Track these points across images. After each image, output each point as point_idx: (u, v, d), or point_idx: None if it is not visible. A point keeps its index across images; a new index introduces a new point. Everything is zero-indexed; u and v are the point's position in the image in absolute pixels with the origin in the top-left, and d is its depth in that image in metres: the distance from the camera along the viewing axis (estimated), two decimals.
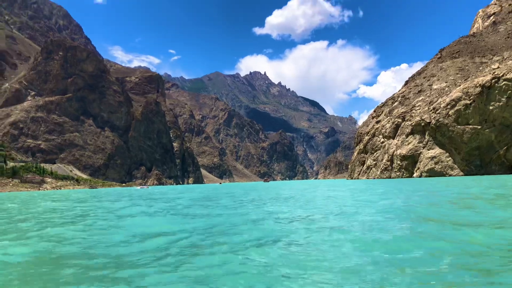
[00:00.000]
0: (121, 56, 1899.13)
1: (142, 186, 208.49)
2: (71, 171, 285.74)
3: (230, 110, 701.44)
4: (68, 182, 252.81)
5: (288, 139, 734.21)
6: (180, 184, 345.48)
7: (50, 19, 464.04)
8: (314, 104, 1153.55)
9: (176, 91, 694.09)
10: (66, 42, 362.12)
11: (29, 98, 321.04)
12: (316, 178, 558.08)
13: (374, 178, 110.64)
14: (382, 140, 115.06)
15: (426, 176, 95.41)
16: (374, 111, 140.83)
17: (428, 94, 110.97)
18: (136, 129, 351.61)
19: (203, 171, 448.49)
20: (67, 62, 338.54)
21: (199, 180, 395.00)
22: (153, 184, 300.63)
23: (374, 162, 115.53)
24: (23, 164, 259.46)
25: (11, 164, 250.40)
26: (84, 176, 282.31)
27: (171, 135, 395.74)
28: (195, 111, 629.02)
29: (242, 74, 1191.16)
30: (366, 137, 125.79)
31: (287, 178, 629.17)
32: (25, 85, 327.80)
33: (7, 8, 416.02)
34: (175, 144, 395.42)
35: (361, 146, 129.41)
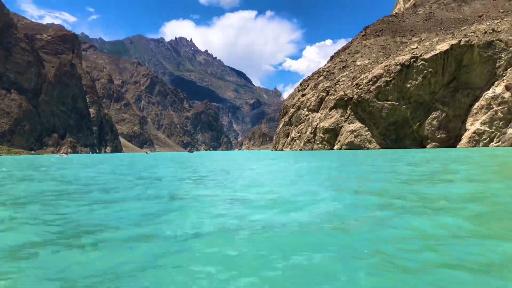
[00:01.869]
0: (31, 11, 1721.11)
1: (62, 154, 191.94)
2: None
3: (153, 77, 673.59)
4: None
5: (214, 109, 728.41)
6: (96, 153, 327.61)
7: None
8: (240, 74, 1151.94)
9: (94, 53, 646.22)
10: None
11: None
12: (240, 149, 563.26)
13: (297, 150, 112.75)
14: (307, 113, 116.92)
15: (345, 149, 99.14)
16: (300, 84, 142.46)
17: (352, 70, 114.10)
18: (48, 93, 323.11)
19: (122, 140, 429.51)
20: None
21: (117, 149, 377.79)
22: (67, 152, 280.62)
23: (298, 134, 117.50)
24: None
25: None
26: None
27: (87, 100, 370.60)
28: (114, 76, 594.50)
29: (167, 39, 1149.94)
30: (292, 110, 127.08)
31: (211, 149, 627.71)
32: None
33: None
34: (91, 110, 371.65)
35: (286, 118, 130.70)
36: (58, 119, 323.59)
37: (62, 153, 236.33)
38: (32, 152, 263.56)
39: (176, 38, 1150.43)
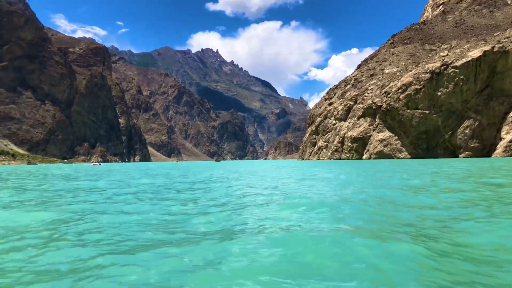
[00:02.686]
0: (64, 26, 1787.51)
1: (94, 163, 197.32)
2: (6, 145, 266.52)
3: (180, 87, 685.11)
4: (3, 157, 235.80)
5: (240, 119, 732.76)
6: (125, 161, 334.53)
7: None
8: (266, 84, 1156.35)
9: (123, 65, 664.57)
10: (2, 6, 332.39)
11: None
12: (265, 158, 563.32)
13: (325, 159, 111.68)
14: (334, 122, 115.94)
15: (375, 158, 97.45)
16: (327, 93, 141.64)
17: (380, 78, 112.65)
18: (80, 104, 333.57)
19: (151, 149, 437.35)
20: (2, 28, 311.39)
21: (146, 158, 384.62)
22: (98, 161, 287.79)
23: (325, 143, 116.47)
24: None
25: None
26: (21, 151, 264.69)
27: (117, 111, 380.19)
28: (143, 87, 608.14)
29: (194, 50, 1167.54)
30: (318, 119, 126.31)
31: (237, 158, 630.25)
32: None
33: None
34: (121, 120, 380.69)
35: (313, 127, 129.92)
36: (89, 129, 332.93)
37: (94, 162, 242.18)
38: (65, 160, 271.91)
39: (202, 49, 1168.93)
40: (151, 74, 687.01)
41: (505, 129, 79.88)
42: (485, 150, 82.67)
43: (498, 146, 79.57)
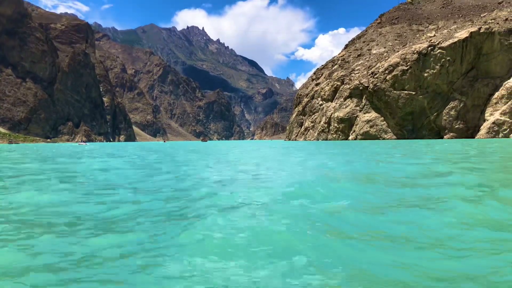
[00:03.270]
0: (44, 0, 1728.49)
1: (81, 143, 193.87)
2: None
3: (166, 66, 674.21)
4: None
5: (226, 99, 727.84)
6: (110, 141, 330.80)
7: None
8: (253, 64, 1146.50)
9: (107, 42, 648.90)
10: None
11: None
12: (252, 139, 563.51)
13: (311, 140, 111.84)
14: (321, 102, 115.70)
15: (361, 139, 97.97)
16: (314, 73, 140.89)
17: (367, 59, 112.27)
18: (63, 82, 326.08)
19: (136, 129, 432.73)
20: None
21: (131, 138, 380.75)
22: (84, 141, 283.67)
23: (312, 124, 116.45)
24: None
25: None
26: (2, 130, 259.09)
27: (101, 89, 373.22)
28: (127, 65, 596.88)
29: (179, 28, 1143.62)
30: (305, 99, 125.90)
31: (223, 138, 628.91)
32: None
33: None
34: (105, 99, 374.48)
35: (300, 108, 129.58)
36: (73, 108, 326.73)
37: (80, 142, 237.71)
38: (48, 140, 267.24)
39: (188, 27, 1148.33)
40: (135, 52, 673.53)
41: (488, 110, 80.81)
42: (469, 131, 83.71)
43: (482, 127, 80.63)
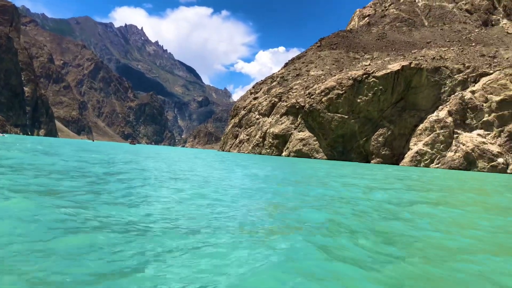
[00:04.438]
0: None
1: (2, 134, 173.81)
2: None
3: (98, 62, 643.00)
4: None
5: (159, 102, 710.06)
6: (28, 134, 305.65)
7: None
8: (191, 70, 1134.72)
9: (35, 28, 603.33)
10: None
11: None
12: (183, 146, 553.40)
13: (245, 153, 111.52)
14: (258, 116, 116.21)
15: (293, 156, 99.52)
16: (253, 87, 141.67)
17: (305, 79, 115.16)
18: None
19: (58, 124, 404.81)
20: None
21: (52, 133, 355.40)
22: (3, 132, 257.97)
23: (247, 137, 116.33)
24: None
25: None
26: None
27: (22, 78, 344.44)
28: (55, 56, 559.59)
29: (116, 24, 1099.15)
30: (243, 112, 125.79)
31: (153, 143, 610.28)
32: None
33: None
34: (26, 89, 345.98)
35: (236, 119, 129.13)
36: None
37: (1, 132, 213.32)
38: None
39: (126, 25, 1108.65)
40: (66, 43, 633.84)
41: (413, 140, 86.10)
42: (394, 158, 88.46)
43: (406, 155, 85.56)
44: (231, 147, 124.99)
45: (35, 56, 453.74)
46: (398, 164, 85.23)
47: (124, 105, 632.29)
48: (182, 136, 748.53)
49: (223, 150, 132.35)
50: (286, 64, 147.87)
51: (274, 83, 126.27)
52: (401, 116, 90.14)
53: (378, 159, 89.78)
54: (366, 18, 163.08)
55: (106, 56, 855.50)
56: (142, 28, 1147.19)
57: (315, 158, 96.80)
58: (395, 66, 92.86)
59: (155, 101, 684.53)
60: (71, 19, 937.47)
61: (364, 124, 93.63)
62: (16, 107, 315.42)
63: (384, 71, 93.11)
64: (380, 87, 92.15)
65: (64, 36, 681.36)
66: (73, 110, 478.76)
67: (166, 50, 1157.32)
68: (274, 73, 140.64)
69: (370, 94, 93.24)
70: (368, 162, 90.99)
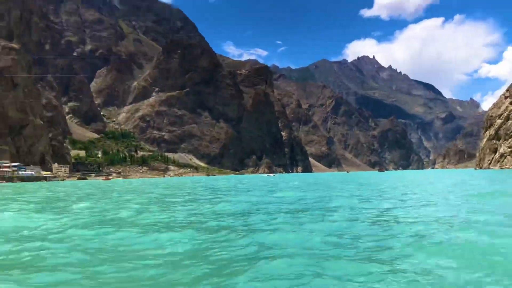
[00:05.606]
0: (232, 51, 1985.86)
1: (269, 174, 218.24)
2: (190, 159, 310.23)
3: (337, 98, 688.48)
4: (188, 169, 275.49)
5: (401, 126, 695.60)
6: (289, 172, 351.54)
7: (169, 21, 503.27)
8: (429, 87, 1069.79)
9: (284, 81, 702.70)
10: (183, 41, 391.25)
11: (153, 94, 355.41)
12: (432, 168, 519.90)
13: (510, 168, 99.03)
14: None
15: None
16: (507, 90, 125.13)
17: None
18: (247, 120, 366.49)
19: (312, 160, 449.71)
20: (184, 59, 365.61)
21: (307, 169, 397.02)
22: (263, 172, 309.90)
23: (510, 149, 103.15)
24: (150, 153, 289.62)
25: (140, 153, 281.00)
26: (202, 164, 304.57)
27: (279, 125, 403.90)
28: (302, 100, 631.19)
29: (349, 59, 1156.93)
30: (498, 121, 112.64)
31: (400, 168, 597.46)
32: (150, 83, 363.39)
33: (134, 15, 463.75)
34: (283, 134, 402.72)
35: (491, 131, 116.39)
36: (256, 142, 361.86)
37: (269, 173, 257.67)
38: (237, 172, 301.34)
39: (358, 57, 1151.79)
40: (309, 88, 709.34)
41: None
42: None
43: None
44: (490, 163, 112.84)
45: (286, 104, 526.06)
46: None
47: (367, 135, 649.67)
48: (430, 158, 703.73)
49: (480, 168, 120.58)
50: None
51: None
52: None
53: None
54: None
55: (344, 91, 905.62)
56: (373, 56, 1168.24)
57: None
58: None
59: (396, 125, 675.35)
60: (310, 66, 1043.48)
61: None
62: (277, 151, 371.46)
63: None
64: None
65: (306, 82, 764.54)
66: (322, 146, 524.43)
67: (400, 72, 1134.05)
68: None
69: None
70: None
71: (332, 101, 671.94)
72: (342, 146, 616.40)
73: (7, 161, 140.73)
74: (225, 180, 72.65)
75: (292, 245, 8.49)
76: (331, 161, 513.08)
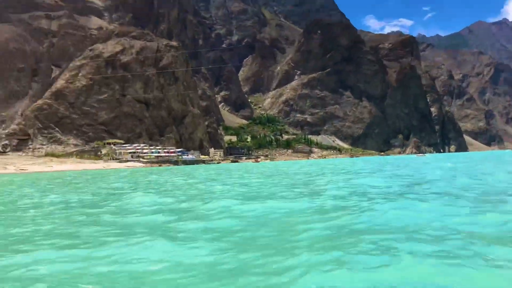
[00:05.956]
0: (373, 25, 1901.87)
1: (418, 154, 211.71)
2: (333, 141, 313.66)
3: (497, 64, 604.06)
4: (331, 151, 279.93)
5: None
6: (440, 152, 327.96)
7: (309, 2, 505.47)
8: None
9: (432, 51, 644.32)
10: (323, 21, 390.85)
11: (296, 77, 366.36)
12: None
13: None
14: None
15: None
16: None
17: None
18: (392, 97, 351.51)
19: (467, 138, 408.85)
20: (324, 39, 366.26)
21: (461, 147, 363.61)
22: (411, 153, 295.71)
23: None
24: (294, 136, 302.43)
25: (285, 137, 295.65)
26: (345, 146, 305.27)
27: (428, 100, 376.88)
28: (454, 71, 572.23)
29: (511, 18, 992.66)
30: None
31: None
32: (292, 66, 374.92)
33: (275, 0, 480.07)
34: (432, 109, 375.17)
35: None
36: (402, 120, 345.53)
37: (418, 154, 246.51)
38: (382, 153, 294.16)
39: None
40: (461, 56, 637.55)
41: None
42: None
43: None
44: None
45: (435, 77, 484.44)
46: None
47: None
48: None
49: None
50: None
51: None
52: None
53: None
54: None
55: (504, 56, 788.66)
56: None
57: None
58: None
59: None
60: (463, 30, 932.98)
61: None
62: (426, 128, 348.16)
63: None
64: None
65: (458, 49, 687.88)
66: (480, 121, 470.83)
67: None
68: None
69: None
70: None
71: (490, 69, 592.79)
72: (504, 120, 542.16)
73: (173, 147, 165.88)
74: (375, 163, 71.82)
75: None
76: (490, 138, 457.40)
